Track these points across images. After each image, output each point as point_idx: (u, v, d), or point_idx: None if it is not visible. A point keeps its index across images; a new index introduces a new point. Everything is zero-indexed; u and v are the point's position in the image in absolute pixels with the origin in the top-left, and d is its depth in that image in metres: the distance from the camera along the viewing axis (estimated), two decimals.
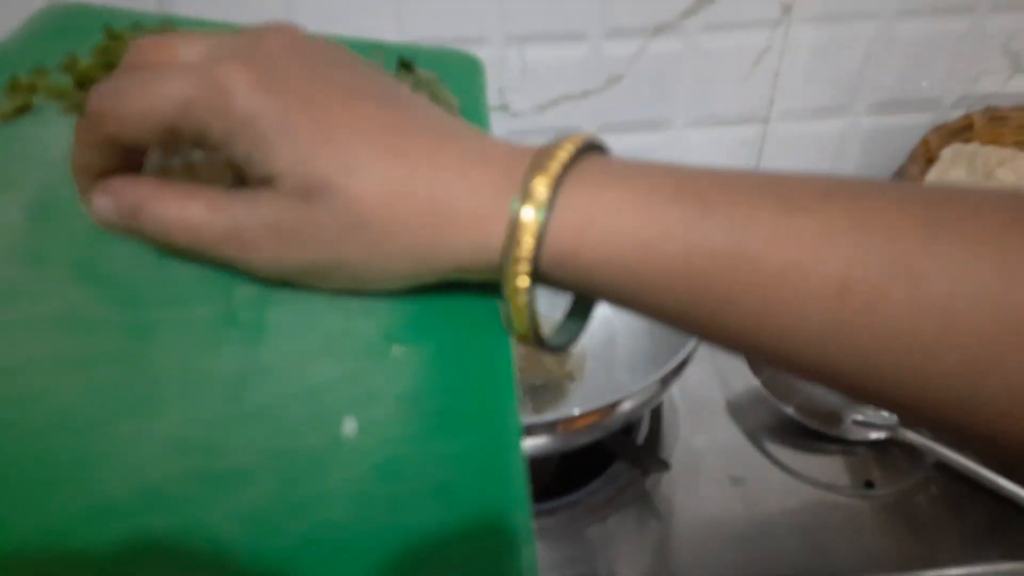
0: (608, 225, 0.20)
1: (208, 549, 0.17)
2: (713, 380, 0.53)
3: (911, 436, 0.46)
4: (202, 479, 0.18)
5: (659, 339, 0.47)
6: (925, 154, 0.57)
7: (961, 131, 0.59)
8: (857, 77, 0.59)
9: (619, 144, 0.59)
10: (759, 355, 0.20)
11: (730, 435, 0.49)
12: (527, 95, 0.56)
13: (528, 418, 0.38)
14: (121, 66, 0.22)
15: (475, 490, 0.19)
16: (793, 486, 0.46)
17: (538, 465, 0.48)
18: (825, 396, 0.49)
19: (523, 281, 0.20)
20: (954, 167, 0.57)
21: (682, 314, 0.20)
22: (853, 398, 0.21)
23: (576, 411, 0.38)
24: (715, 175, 0.20)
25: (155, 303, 0.22)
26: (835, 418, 0.48)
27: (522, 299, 0.20)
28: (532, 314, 0.20)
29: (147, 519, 0.17)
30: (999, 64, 0.59)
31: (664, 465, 0.45)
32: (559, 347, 0.23)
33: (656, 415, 0.50)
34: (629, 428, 0.49)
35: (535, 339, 0.21)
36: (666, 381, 0.39)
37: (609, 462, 0.47)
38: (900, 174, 0.56)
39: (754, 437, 0.49)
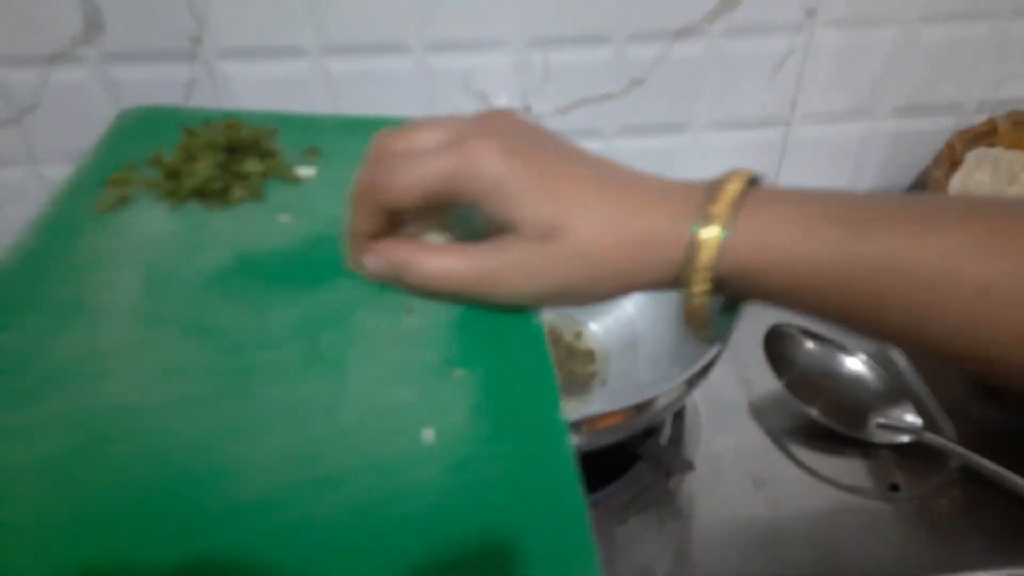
0: (777, 241, 0.25)
1: (318, 539, 0.21)
2: (736, 383, 0.53)
3: (935, 439, 0.46)
4: (309, 484, 0.22)
5: (681, 341, 0.47)
6: (950, 158, 0.56)
7: (985, 135, 0.59)
8: (879, 81, 0.59)
9: (641, 146, 0.59)
10: (907, 345, 0.26)
11: (753, 437, 0.49)
12: (549, 98, 0.56)
13: None
14: (374, 153, 0.28)
15: (533, 479, 0.22)
16: (816, 488, 0.46)
17: None
18: (848, 398, 0.49)
19: (703, 287, 0.25)
20: (979, 171, 0.56)
21: (839, 314, 0.25)
22: (993, 375, 0.25)
23: (601, 411, 0.38)
24: (857, 198, 0.25)
25: (254, 348, 0.26)
26: (859, 420, 0.48)
27: (701, 303, 0.26)
28: (706, 315, 0.26)
29: (269, 518, 0.21)
30: (1022, 68, 0.59)
31: (689, 465, 0.45)
32: (719, 338, 0.32)
33: (679, 417, 0.50)
34: (653, 429, 0.49)
35: (704, 333, 0.28)
36: (692, 383, 0.39)
37: (632, 463, 0.47)
38: (924, 177, 0.56)
39: (777, 439, 0.48)
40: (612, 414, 0.38)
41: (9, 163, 0.54)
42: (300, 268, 0.30)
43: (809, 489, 0.46)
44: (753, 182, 0.26)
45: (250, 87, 0.53)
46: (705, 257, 0.25)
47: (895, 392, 0.49)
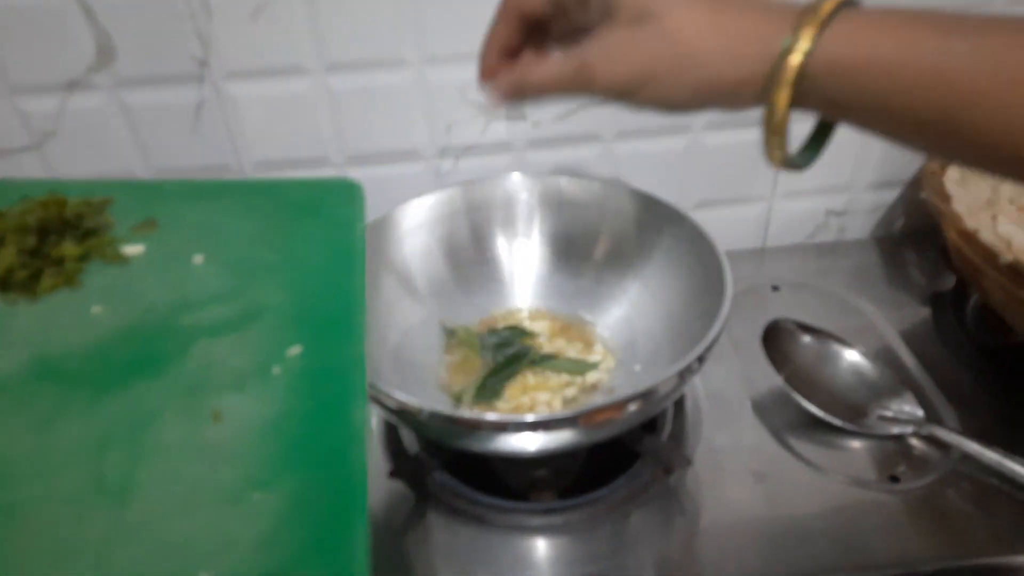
0: (875, 37, 0.26)
1: None
2: (737, 379, 0.53)
3: (937, 431, 0.46)
4: None
5: (678, 338, 0.47)
6: None
7: None
8: None
9: (641, 148, 0.60)
10: (986, 159, 0.26)
11: (754, 433, 0.49)
12: (546, 105, 0.58)
13: (550, 414, 0.40)
14: None
15: None
16: (817, 481, 0.46)
17: (564, 463, 0.49)
18: (848, 391, 0.49)
19: (788, 93, 0.27)
20: None
21: (928, 118, 0.26)
22: None
23: (596, 405, 0.39)
24: (948, 12, 0.26)
25: (26, 478, 0.23)
26: (859, 413, 0.48)
27: (783, 117, 0.28)
28: (785, 135, 0.28)
29: None
30: None
31: (686, 461, 0.46)
32: (801, 166, 0.32)
33: (680, 414, 0.51)
34: (653, 427, 0.50)
35: (783, 158, 0.30)
36: (684, 375, 0.40)
37: (633, 460, 0.48)
38: (922, 171, 0.56)
39: (778, 434, 0.49)
40: (607, 407, 0.39)
41: None
42: (101, 371, 0.27)
43: (810, 482, 0.46)
44: (848, 4, 0.27)
45: (256, 106, 0.55)
46: (797, 57, 0.26)
47: (895, 384, 0.49)
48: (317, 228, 0.36)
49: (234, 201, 0.37)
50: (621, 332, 0.53)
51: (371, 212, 0.52)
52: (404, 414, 0.39)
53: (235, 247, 0.34)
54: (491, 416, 0.38)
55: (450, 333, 0.53)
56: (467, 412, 0.46)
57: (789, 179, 0.64)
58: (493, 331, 0.53)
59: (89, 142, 0.55)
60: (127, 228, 0.34)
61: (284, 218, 0.37)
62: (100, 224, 0.34)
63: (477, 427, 0.39)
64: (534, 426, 0.38)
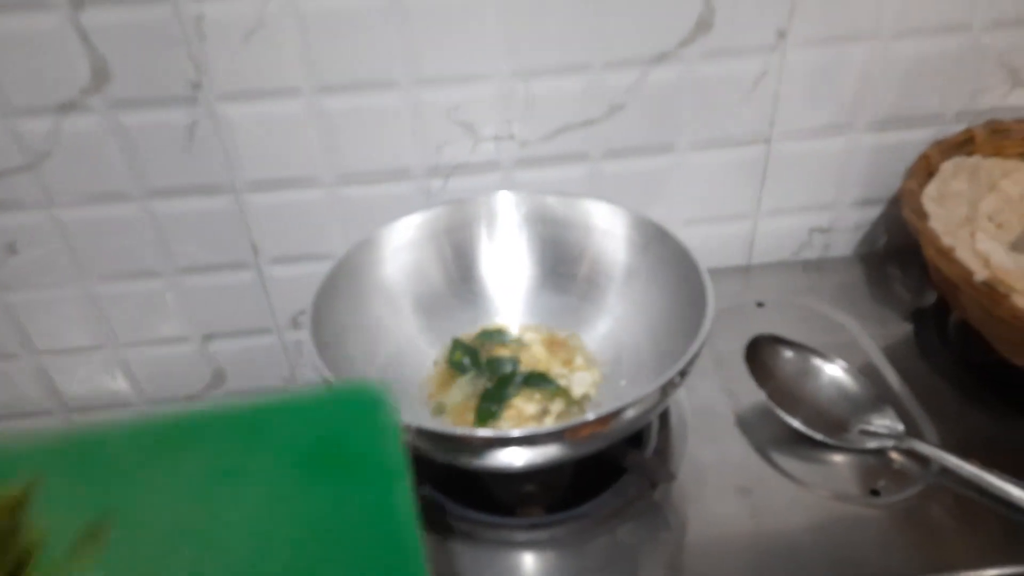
0: None
1: None
2: (721, 394, 0.54)
3: (916, 445, 0.47)
4: None
5: (662, 354, 0.48)
6: (925, 168, 0.58)
7: (962, 144, 0.60)
8: (856, 96, 0.60)
9: (625, 168, 0.62)
10: None
11: (738, 447, 0.50)
12: (533, 125, 0.59)
13: (536, 428, 0.40)
14: None
15: None
16: (800, 496, 0.46)
17: (552, 478, 0.50)
18: (830, 406, 0.50)
19: None
20: (955, 180, 0.58)
21: None
22: None
23: (579, 420, 0.39)
24: None
25: None
26: (841, 428, 0.49)
27: None
28: None
29: None
30: (998, 79, 0.61)
31: (671, 476, 0.46)
32: None
33: (665, 429, 0.51)
34: (639, 441, 0.50)
35: None
36: (666, 389, 0.41)
37: (620, 475, 0.48)
38: (901, 189, 0.57)
39: (761, 449, 0.49)
40: (592, 422, 0.40)
41: (28, 207, 0.58)
42: None
43: (793, 497, 0.47)
44: None
45: (248, 126, 0.56)
46: None
47: (876, 398, 0.50)
48: (349, 488, 0.25)
49: (214, 455, 0.24)
50: (607, 348, 0.54)
51: (362, 230, 0.54)
52: None
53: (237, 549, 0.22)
54: (478, 432, 0.39)
55: (457, 347, 0.53)
56: (455, 428, 0.46)
57: (773, 197, 0.65)
58: (487, 348, 0.54)
59: (83, 162, 0.56)
60: (70, 539, 0.21)
61: (298, 477, 0.24)
62: (21, 545, 0.20)
63: (465, 443, 0.39)
64: (521, 441, 0.39)
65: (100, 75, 0.53)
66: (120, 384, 0.69)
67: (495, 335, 0.55)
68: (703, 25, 0.55)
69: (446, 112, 0.57)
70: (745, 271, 0.68)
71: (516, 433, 0.38)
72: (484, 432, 0.39)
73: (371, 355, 0.50)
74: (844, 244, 0.69)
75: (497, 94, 0.57)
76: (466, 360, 0.53)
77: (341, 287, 0.50)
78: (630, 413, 0.40)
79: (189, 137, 0.56)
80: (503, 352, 0.54)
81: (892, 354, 0.57)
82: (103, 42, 0.51)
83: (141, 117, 0.55)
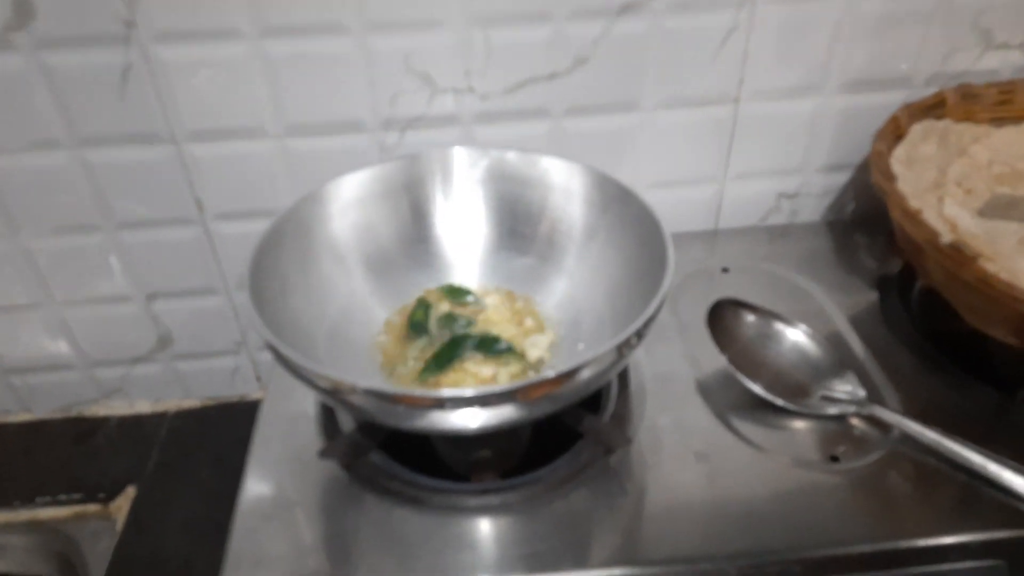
0: None
1: None
2: (684, 360, 0.52)
3: (877, 411, 0.46)
4: None
5: (621, 316, 0.46)
6: (894, 131, 0.56)
7: (933, 108, 0.59)
8: (826, 56, 0.59)
9: (589, 125, 0.59)
10: None
11: (697, 413, 0.49)
12: (493, 78, 0.56)
13: (488, 388, 0.38)
14: None
15: None
16: (759, 461, 0.45)
17: (507, 443, 0.48)
18: (792, 371, 0.49)
19: None
20: (924, 143, 0.56)
21: None
22: None
23: (534, 379, 0.37)
24: None
25: None
26: (802, 393, 0.48)
27: None
28: None
29: None
30: (970, 41, 0.59)
31: (627, 440, 0.45)
32: None
33: (624, 395, 0.50)
34: (597, 407, 0.49)
35: None
36: (622, 349, 0.39)
37: (576, 441, 0.46)
38: (870, 152, 0.55)
39: (721, 415, 0.48)
40: (545, 382, 0.38)
41: None
42: None
43: (752, 463, 0.45)
44: None
45: (187, 71, 0.52)
46: None
47: (839, 364, 0.49)
48: None
49: None
50: (565, 310, 0.52)
51: (313, 185, 0.51)
52: (337, 393, 0.37)
53: None
54: (428, 392, 0.37)
55: (420, 305, 0.51)
56: (403, 389, 0.44)
57: (741, 161, 0.63)
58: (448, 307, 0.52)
59: (7, 106, 0.52)
60: None
61: None
62: None
63: (413, 404, 0.37)
64: (472, 402, 0.37)
65: (23, 10, 0.49)
66: (61, 346, 0.65)
67: (458, 293, 0.53)
68: None
69: (401, 60, 0.54)
70: (712, 236, 0.67)
71: (468, 393, 0.36)
72: (435, 393, 0.36)
73: (320, 316, 0.48)
74: (811, 210, 0.68)
75: (455, 43, 0.54)
76: (426, 321, 0.51)
77: (285, 244, 0.47)
78: (585, 373, 0.38)
79: (123, 80, 0.52)
80: (459, 313, 0.52)
81: (856, 321, 0.56)
82: None
83: (69, 57, 0.51)
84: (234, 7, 0.50)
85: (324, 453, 0.43)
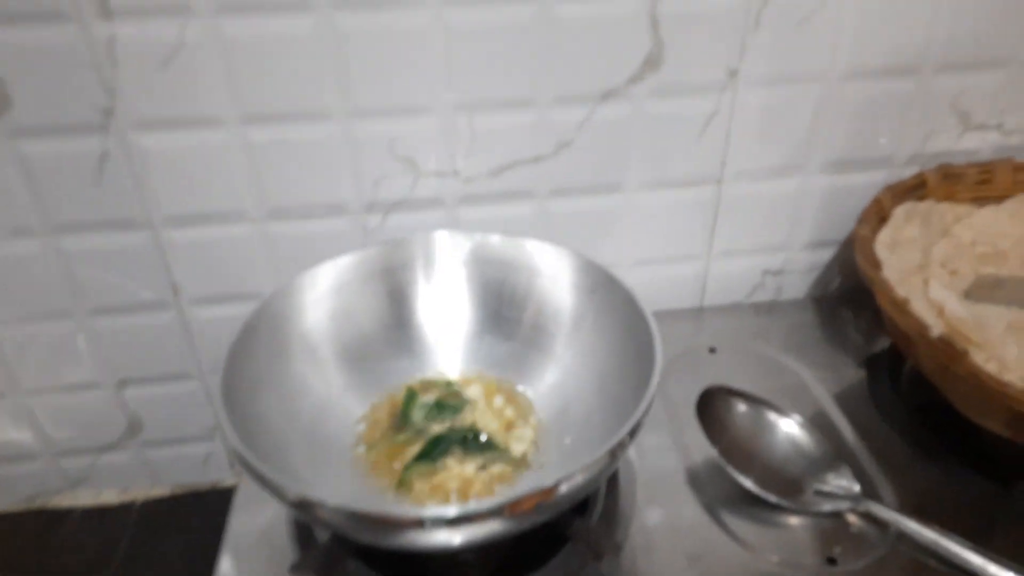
0: None
1: None
2: (672, 449, 0.51)
3: (873, 508, 0.45)
4: None
5: (610, 406, 0.45)
6: (878, 213, 0.56)
7: (914, 189, 0.59)
8: (808, 137, 0.59)
9: (574, 207, 0.59)
10: None
11: (689, 510, 0.47)
12: (478, 161, 0.56)
13: (472, 506, 0.36)
14: None
15: None
16: (752, 563, 0.44)
17: (488, 548, 0.46)
18: (784, 464, 0.48)
19: None
20: (908, 225, 0.56)
21: None
22: None
23: (521, 494, 0.36)
24: None
25: None
26: (795, 488, 0.46)
27: None
28: None
29: None
30: (949, 123, 0.60)
31: (616, 547, 0.43)
32: None
33: (613, 489, 0.48)
34: (584, 506, 0.47)
35: None
36: (615, 452, 0.38)
37: (563, 544, 0.45)
38: (854, 235, 0.55)
39: (712, 511, 0.47)
40: (534, 494, 0.36)
41: None
42: None
43: (745, 564, 0.44)
44: None
45: (166, 158, 0.52)
46: None
47: (832, 456, 0.48)
48: None
49: None
50: (553, 399, 0.50)
51: (296, 268, 0.49)
52: (305, 508, 0.35)
53: None
54: (406, 513, 0.35)
55: (411, 397, 0.50)
56: (378, 509, 0.42)
57: (725, 238, 0.63)
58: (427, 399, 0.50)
59: None
60: None
61: None
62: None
63: (389, 524, 0.35)
64: (455, 521, 0.35)
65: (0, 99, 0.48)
66: (25, 436, 0.63)
67: (441, 385, 0.52)
68: (652, 62, 0.53)
69: (385, 145, 0.54)
70: (698, 314, 0.66)
71: (450, 513, 0.34)
72: (412, 512, 0.35)
73: (294, 414, 0.46)
74: (797, 286, 0.67)
75: (440, 127, 0.54)
76: (409, 412, 0.49)
77: (258, 341, 0.45)
78: (577, 480, 0.37)
79: (99, 168, 0.51)
80: (444, 402, 0.50)
81: (844, 402, 0.55)
82: (1, 64, 0.47)
83: (46, 146, 0.50)
84: (215, 95, 0.50)
85: (296, 568, 0.41)
